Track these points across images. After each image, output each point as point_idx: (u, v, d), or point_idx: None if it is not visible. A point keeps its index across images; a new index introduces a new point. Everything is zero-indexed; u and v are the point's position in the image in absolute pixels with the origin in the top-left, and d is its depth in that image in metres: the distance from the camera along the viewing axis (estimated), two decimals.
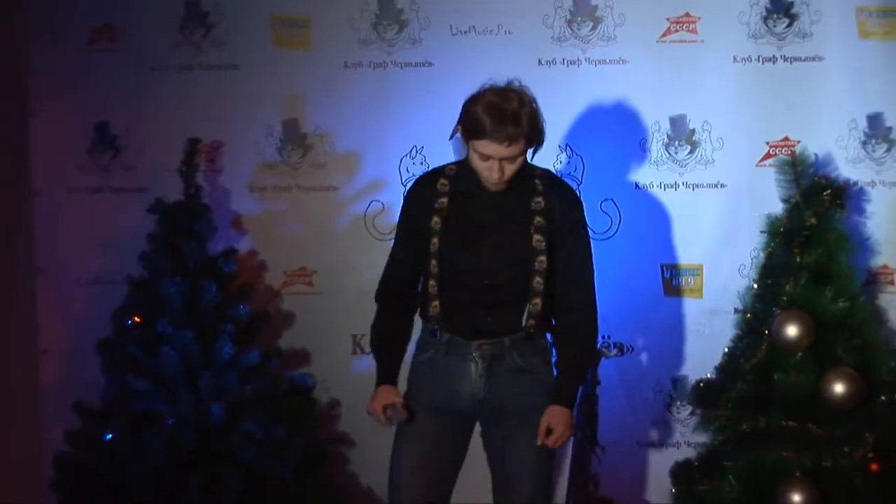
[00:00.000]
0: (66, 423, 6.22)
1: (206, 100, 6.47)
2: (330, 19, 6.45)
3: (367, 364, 5.51)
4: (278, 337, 6.46)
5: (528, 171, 5.12)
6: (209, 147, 6.39)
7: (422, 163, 6.31)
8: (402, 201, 5.39)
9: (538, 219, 5.08)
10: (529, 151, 5.05)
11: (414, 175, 6.14)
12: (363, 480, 6.45)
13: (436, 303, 5.14)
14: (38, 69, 6.51)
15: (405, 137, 6.39)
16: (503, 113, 4.91)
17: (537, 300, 5.09)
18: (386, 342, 5.27)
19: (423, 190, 5.26)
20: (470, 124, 4.99)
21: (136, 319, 6.13)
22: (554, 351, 5.23)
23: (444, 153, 5.73)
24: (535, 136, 5.00)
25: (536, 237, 5.07)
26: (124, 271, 6.24)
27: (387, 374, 5.21)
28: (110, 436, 6.04)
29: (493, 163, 4.96)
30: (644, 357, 6.33)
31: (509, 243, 5.10)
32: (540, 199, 5.11)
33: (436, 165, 5.78)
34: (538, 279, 5.06)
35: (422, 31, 6.39)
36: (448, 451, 5.21)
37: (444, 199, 5.13)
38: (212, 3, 6.47)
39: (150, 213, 6.19)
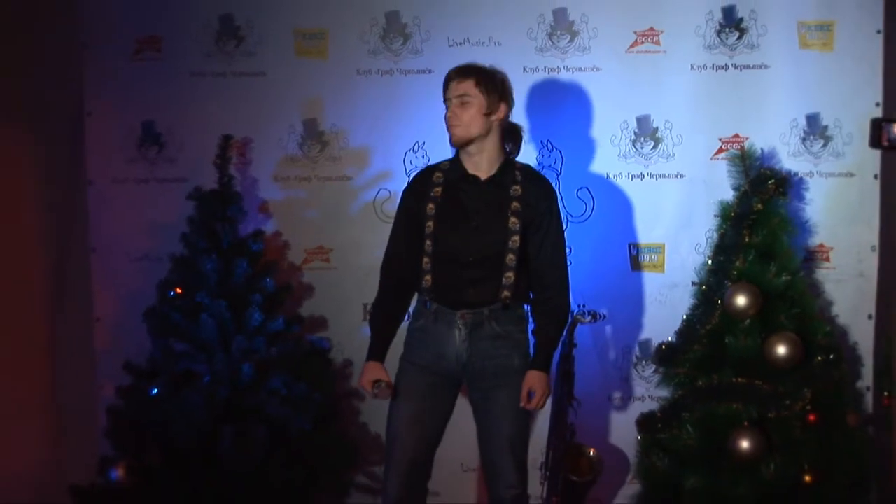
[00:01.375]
0: (117, 381, 6.23)
1: (238, 102, 6.46)
2: (344, 32, 6.44)
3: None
4: (299, 306, 6.47)
5: (510, 164, 5.29)
6: (240, 143, 6.39)
7: (423, 156, 6.33)
8: (403, 190, 5.51)
9: (515, 204, 5.23)
10: (492, 115, 5.22)
11: (416, 166, 6.20)
12: (371, 429, 6.44)
13: (428, 277, 5.28)
14: (92, 75, 6.50)
15: (409, 134, 6.39)
16: (460, 66, 5.30)
17: (510, 274, 5.21)
18: (380, 324, 5.38)
19: (421, 181, 5.42)
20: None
21: (178, 291, 6.15)
22: (531, 321, 5.34)
23: (442, 148, 5.76)
24: (489, 87, 5.22)
25: (512, 219, 5.22)
26: (167, 250, 6.26)
27: (376, 352, 5.32)
28: (155, 391, 6.07)
29: (449, 105, 5.23)
30: (614, 323, 6.34)
31: (490, 225, 5.25)
32: (518, 187, 5.26)
33: (434, 158, 5.89)
34: (511, 256, 5.20)
35: (423, 42, 6.40)
36: (436, 407, 5.31)
37: (439, 189, 5.29)
38: (242, 19, 6.47)
39: (190, 199, 6.21)
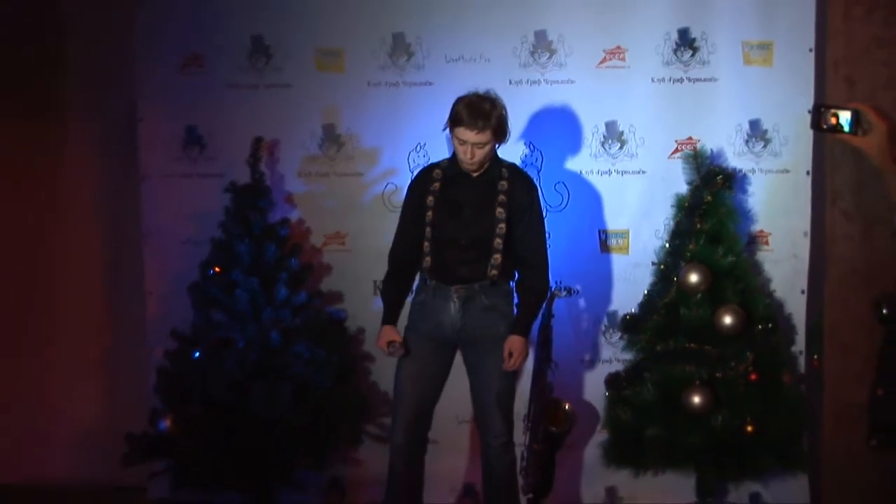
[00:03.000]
0: (164, 345, 6.24)
1: (267, 109, 6.44)
2: (357, 51, 6.42)
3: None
4: (319, 282, 6.44)
5: (497, 162, 5.38)
6: (269, 144, 6.36)
7: (424, 155, 6.29)
8: (408, 185, 5.62)
9: (501, 197, 5.33)
10: (497, 146, 5.33)
11: (418, 164, 6.18)
12: (381, 387, 6.42)
13: (428, 258, 5.38)
14: (144, 87, 6.49)
15: (412, 137, 6.36)
16: (477, 109, 5.24)
17: (497, 255, 5.32)
18: (391, 295, 5.52)
19: (422, 177, 5.52)
20: (453, 116, 5.27)
21: (217, 269, 6.14)
22: (516, 295, 5.43)
23: (440, 149, 5.79)
24: (500, 132, 5.30)
25: (499, 210, 5.32)
26: (207, 234, 6.26)
27: (388, 317, 5.47)
28: (197, 354, 6.07)
29: (467, 146, 5.23)
30: (586, 297, 6.32)
31: (480, 214, 5.34)
32: (504, 182, 5.36)
33: (434, 157, 5.89)
34: (498, 240, 5.31)
35: (424, 59, 6.38)
36: (436, 368, 5.43)
37: (437, 184, 5.39)
38: (272, 39, 6.45)
39: (226, 192, 6.20)
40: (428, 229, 5.37)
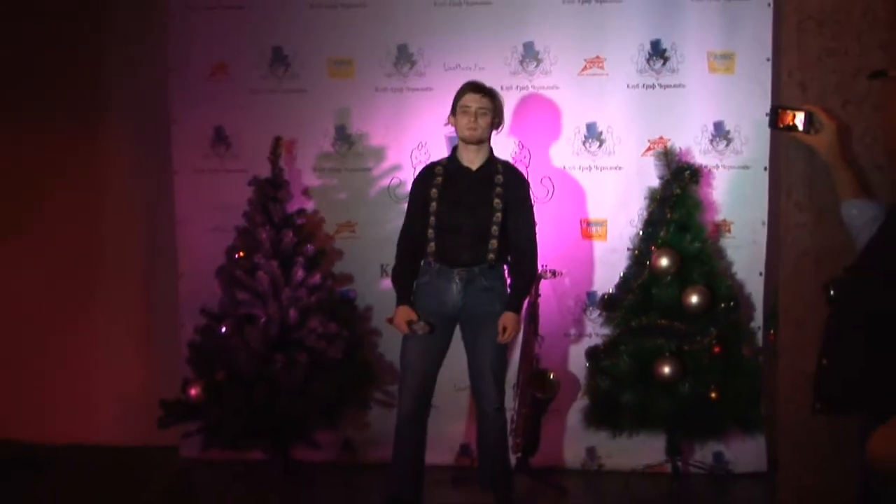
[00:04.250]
0: (195, 321, 6.25)
1: (286, 112, 6.44)
2: (366, 60, 6.42)
3: (390, 284, 5.52)
4: (332, 265, 6.44)
5: (493, 160, 5.41)
6: (288, 143, 6.35)
7: (425, 153, 6.28)
8: (413, 180, 5.59)
9: (498, 189, 5.35)
10: (494, 131, 5.42)
11: (420, 160, 6.19)
12: (386, 358, 6.43)
13: (432, 244, 5.36)
14: (176, 92, 6.50)
15: (414, 137, 6.35)
16: (478, 83, 5.39)
17: (494, 241, 5.33)
18: (402, 278, 5.46)
19: (426, 173, 5.51)
20: (456, 96, 5.38)
21: (241, 254, 6.13)
22: (508, 277, 5.43)
23: (439, 147, 5.81)
24: (498, 112, 5.41)
25: (495, 201, 5.34)
26: (233, 223, 6.25)
27: (403, 297, 5.41)
28: (224, 329, 6.08)
29: (471, 113, 5.30)
30: (569, 279, 6.32)
31: (478, 205, 5.35)
32: (500, 177, 5.39)
33: (433, 155, 5.91)
34: (494, 227, 5.32)
35: (425, 67, 6.37)
36: (438, 342, 5.40)
37: (440, 178, 5.39)
38: (290, 50, 6.45)
39: (250, 185, 6.20)
40: (432, 218, 5.35)
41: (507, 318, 5.31)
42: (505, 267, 5.45)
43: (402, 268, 5.48)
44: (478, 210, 5.34)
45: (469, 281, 5.34)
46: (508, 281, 5.45)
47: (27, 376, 6.71)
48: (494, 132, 5.45)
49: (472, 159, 5.40)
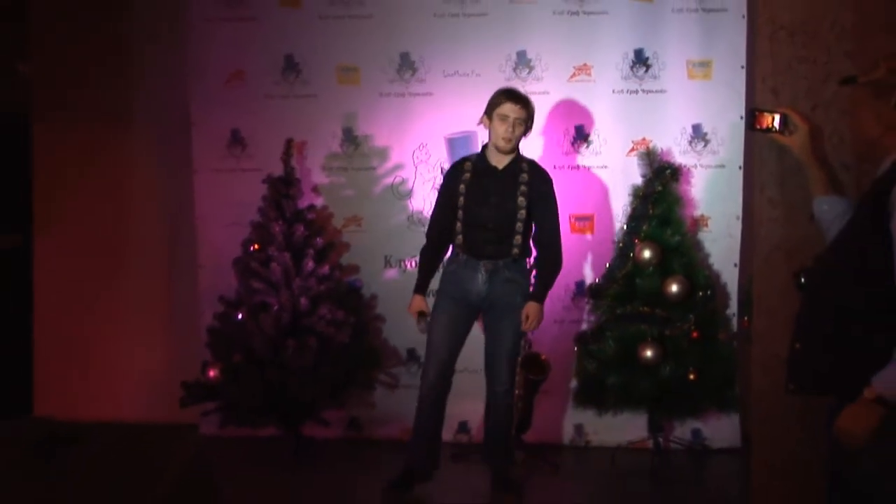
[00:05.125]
0: (213, 309, 6.24)
1: (297, 115, 6.42)
2: (371, 67, 6.40)
3: (394, 274, 5.54)
4: (340, 257, 6.42)
5: (519, 158, 5.43)
6: (299, 144, 6.33)
7: (426, 153, 6.30)
8: (444, 174, 5.66)
9: (522, 187, 5.36)
10: (524, 135, 5.38)
11: (421, 161, 6.21)
12: (390, 343, 6.44)
13: (460, 236, 5.39)
14: (196, 97, 6.48)
15: (416, 138, 6.33)
16: (517, 93, 5.39)
17: (518, 237, 5.35)
18: (427, 264, 5.55)
19: (455, 169, 5.51)
20: (493, 101, 5.34)
21: (256, 246, 6.13)
22: (536, 268, 5.49)
23: (438, 147, 5.78)
24: (531, 120, 5.39)
25: (520, 199, 5.34)
26: (248, 218, 6.24)
27: (422, 286, 5.51)
28: (240, 316, 6.07)
29: (509, 121, 5.26)
30: None
31: (504, 202, 5.35)
32: (525, 175, 5.38)
33: (433, 155, 5.89)
34: (519, 224, 5.34)
35: (426, 74, 6.34)
36: (461, 325, 5.43)
37: (468, 174, 5.39)
38: (301, 58, 6.42)
39: (264, 183, 6.18)
40: (461, 213, 5.36)
41: (532, 307, 5.33)
42: (528, 260, 5.47)
43: (428, 254, 5.56)
44: (503, 207, 5.32)
45: (494, 273, 5.34)
46: (532, 273, 5.48)
47: (64, 360, 6.72)
48: (525, 138, 5.45)
49: (500, 160, 5.40)
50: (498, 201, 5.34)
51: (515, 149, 5.38)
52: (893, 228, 3.17)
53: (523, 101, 5.32)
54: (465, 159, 5.53)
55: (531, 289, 5.42)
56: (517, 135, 5.32)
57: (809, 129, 3.84)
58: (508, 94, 5.33)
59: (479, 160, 5.44)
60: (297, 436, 6.19)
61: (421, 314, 5.42)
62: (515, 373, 5.49)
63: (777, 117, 3.88)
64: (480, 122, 5.43)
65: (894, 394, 3.17)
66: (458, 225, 5.38)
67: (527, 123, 5.35)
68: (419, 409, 5.44)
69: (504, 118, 5.28)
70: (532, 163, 5.49)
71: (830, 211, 3.70)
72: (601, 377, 5.98)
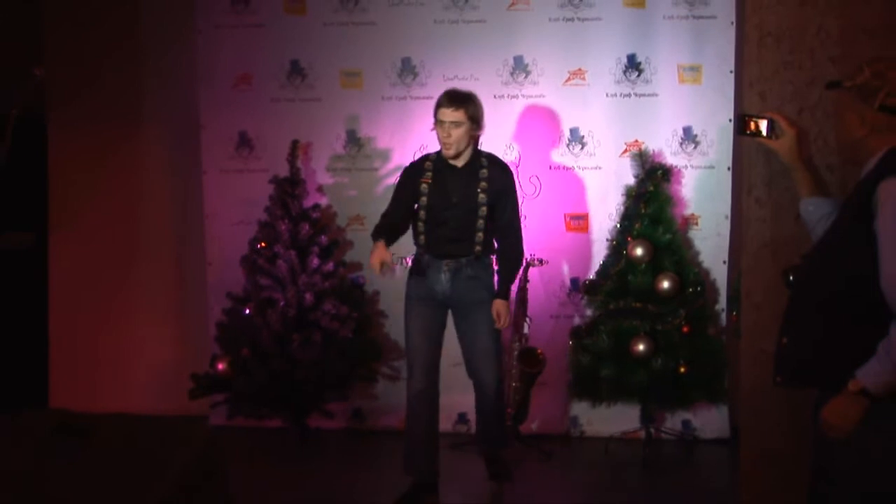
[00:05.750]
0: (222, 304, 6.27)
1: (302, 118, 6.43)
2: (373, 71, 6.41)
3: (396, 271, 5.52)
4: (343, 254, 6.43)
5: (478, 154, 5.17)
6: (304, 145, 6.35)
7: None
8: (403, 169, 5.38)
9: (483, 183, 5.10)
10: (475, 136, 5.11)
11: None
12: (391, 337, 6.44)
13: (422, 236, 5.16)
14: (205, 101, 6.49)
15: (416, 140, 6.27)
16: (453, 94, 5.09)
17: (480, 234, 5.12)
18: (383, 229, 5.09)
19: (416, 167, 5.26)
20: (435, 106, 5.10)
21: (262, 244, 6.14)
22: (497, 265, 5.27)
23: (437, 148, 5.72)
24: (474, 119, 5.06)
25: (481, 195, 5.09)
26: (255, 217, 6.26)
27: (381, 234, 5.07)
28: (248, 311, 6.08)
29: (444, 125, 5.01)
30: (554, 267, 6.30)
31: (466, 200, 5.11)
32: (485, 170, 5.13)
33: None
34: (481, 221, 5.11)
35: (427, 78, 6.35)
36: (436, 323, 5.22)
37: (429, 173, 5.15)
38: (306, 63, 6.43)
39: (270, 183, 6.21)
40: (423, 213, 5.13)
41: (498, 305, 5.12)
42: (493, 257, 5.26)
43: (381, 224, 5.17)
44: (464, 204, 5.09)
45: (456, 271, 5.12)
46: (495, 269, 5.28)
47: (78, 353, 6.71)
48: (474, 136, 5.13)
49: (459, 158, 5.14)
50: (460, 199, 5.09)
51: (462, 153, 5.10)
52: (877, 228, 3.17)
53: (457, 103, 5.02)
54: (425, 158, 5.27)
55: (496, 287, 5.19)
56: (455, 138, 5.02)
57: (796, 133, 3.83)
58: (444, 96, 5.08)
59: (439, 159, 5.18)
60: (302, 426, 6.19)
61: (384, 264, 4.98)
62: (499, 366, 5.29)
63: (764, 122, 3.88)
64: (433, 128, 5.16)
65: (877, 386, 3.17)
66: (420, 225, 5.15)
67: (469, 124, 5.03)
68: (410, 416, 5.21)
69: (440, 124, 5.05)
70: (492, 157, 5.23)
71: (816, 211, 3.70)
72: (595, 370, 5.98)
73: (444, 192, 5.11)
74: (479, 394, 5.30)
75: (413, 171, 5.23)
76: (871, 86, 3.32)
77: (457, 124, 5.01)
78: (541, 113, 6.32)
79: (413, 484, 5.20)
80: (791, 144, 3.83)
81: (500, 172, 5.17)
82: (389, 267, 5.11)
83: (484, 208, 5.09)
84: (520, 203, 5.36)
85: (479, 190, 5.09)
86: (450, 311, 5.27)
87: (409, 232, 5.27)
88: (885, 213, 3.16)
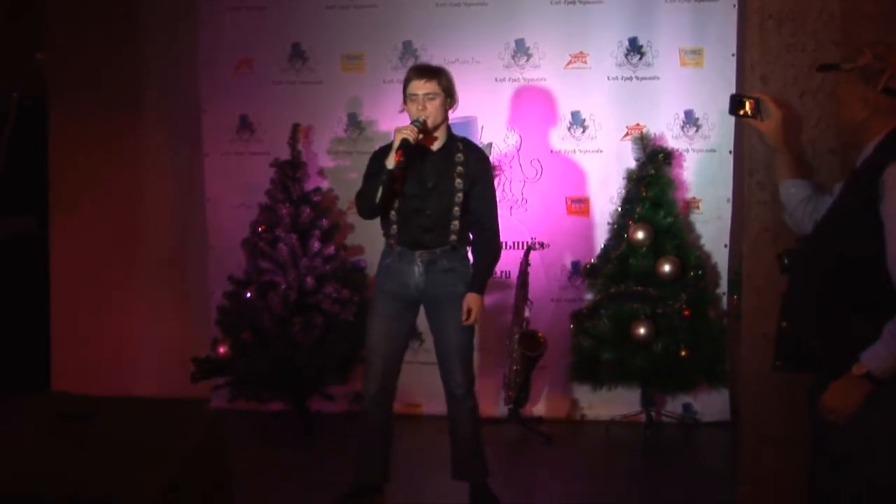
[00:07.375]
0: (223, 287, 6.27)
1: (303, 101, 6.42)
2: (375, 55, 6.39)
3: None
4: (344, 238, 6.43)
5: (453, 138, 4.77)
6: (305, 129, 6.34)
7: None
8: (373, 153, 4.91)
9: (459, 168, 4.69)
10: (448, 111, 4.73)
11: None
12: None
13: (395, 226, 4.75)
14: (206, 84, 6.49)
15: None
16: (423, 66, 4.82)
17: (456, 223, 4.71)
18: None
19: (388, 150, 4.66)
20: (404, 83, 4.70)
21: (263, 228, 6.13)
22: (472, 256, 4.87)
23: None
24: (448, 92, 4.69)
25: (457, 181, 4.69)
26: (256, 200, 6.26)
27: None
28: (249, 294, 6.08)
29: (418, 99, 4.62)
30: (555, 250, 6.30)
31: (441, 187, 4.70)
32: (461, 155, 4.72)
33: None
34: (457, 209, 4.70)
35: (428, 61, 6.19)
36: (402, 325, 4.84)
37: (403, 158, 4.59)
38: (307, 46, 6.42)
39: (271, 166, 6.20)
40: (396, 201, 4.71)
41: (471, 299, 4.71)
42: (469, 248, 4.86)
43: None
44: (438, 191, 4.69)
45: (430, 263, 4.72)
46: (471, 261, 4.87)
47: (80, 337, 6.70)
48: (450, 111, 4.76)
49: (430, 143, 4.72)
50: (433, 185, 4.69)
51: (439, 125, 4.68)
52: (884, 212, 3.16)
53: (429, 74, 4.66)
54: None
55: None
56: (432, 111, 4.61)
57: (783, 115, 3.82)
58: (413, 70, 4.73)
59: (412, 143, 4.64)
60: (303, 409, 6.20)
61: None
62: (472, 370, 4.85)
63: (753, 103, 3.88)
64: (402, 109, 4.77)
65: (882, 370, 3.17)
66: (393, 214, 4.73)
67: (443, 96, 4.66)
68: (362, 421, 4.91)
69: (413, 98, 4.63)
70: (467, 141, 4.86)
71: (797, 194, 3.71)
72: (596, 353, 5.99)
73: (416, 179, 4.71)
74: (452, 403, 4.86)
75: (384, 156, 4.68)
76: (873, 68, 3.31)
77: (432, 96, 4.62)
78: (542, 96, 6.30)
79: (360, 483, 4.95)
80: (776, 125, 3.83)
81: (476, 158, 4.79)
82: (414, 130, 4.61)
83: (460, 195, 4.70)
84: (495, 191, 4.94)
85: (455, 175, 4.71)
86: (422, 307, 4.88)
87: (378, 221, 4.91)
88: (892, 198, 3.15)
